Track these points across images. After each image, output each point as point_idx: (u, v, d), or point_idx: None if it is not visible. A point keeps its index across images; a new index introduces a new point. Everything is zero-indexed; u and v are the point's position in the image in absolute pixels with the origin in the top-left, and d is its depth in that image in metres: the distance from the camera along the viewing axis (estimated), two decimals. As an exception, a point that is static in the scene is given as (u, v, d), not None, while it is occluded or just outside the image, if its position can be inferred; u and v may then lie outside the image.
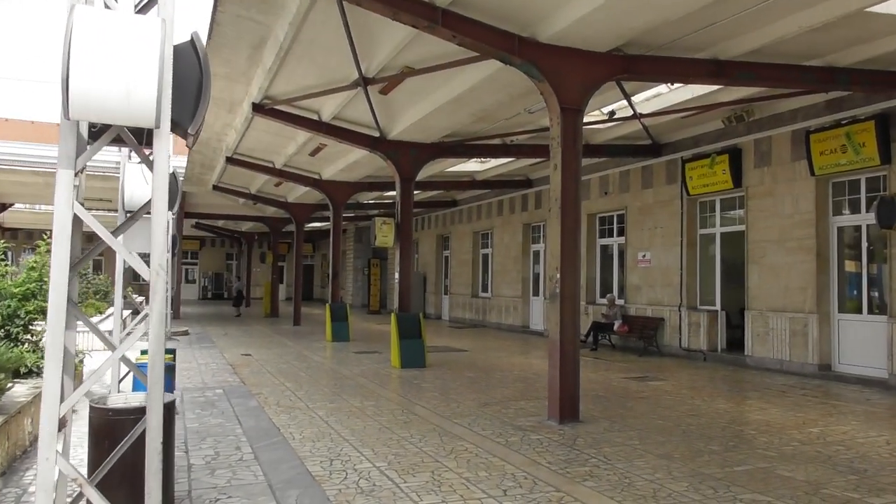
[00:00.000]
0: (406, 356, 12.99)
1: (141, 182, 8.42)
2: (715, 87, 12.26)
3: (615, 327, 16.53)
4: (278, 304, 30.98)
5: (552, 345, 8.32)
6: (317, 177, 20.07)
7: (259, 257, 42.12)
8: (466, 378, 11.80)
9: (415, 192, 24.72)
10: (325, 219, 28.37)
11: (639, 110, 12.91)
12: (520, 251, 22.45)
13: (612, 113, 13.28)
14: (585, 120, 10.83)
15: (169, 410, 5.02)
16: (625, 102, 13.09)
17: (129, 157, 8.58)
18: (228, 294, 31.50)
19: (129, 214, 8.58)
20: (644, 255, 16.67)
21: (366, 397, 9.76)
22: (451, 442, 7.07)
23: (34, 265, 7.79)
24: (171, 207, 8.85)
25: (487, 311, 24.48)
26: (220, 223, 39.56)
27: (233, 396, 9.78)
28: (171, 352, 7.16)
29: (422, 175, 19.40)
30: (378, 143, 14.05)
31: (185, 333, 20.85)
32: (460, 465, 6.13)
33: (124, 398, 5.31)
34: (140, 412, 4.75)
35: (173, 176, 8.90)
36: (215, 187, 24.91)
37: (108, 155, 15.78)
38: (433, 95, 11.78)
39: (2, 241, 8.75)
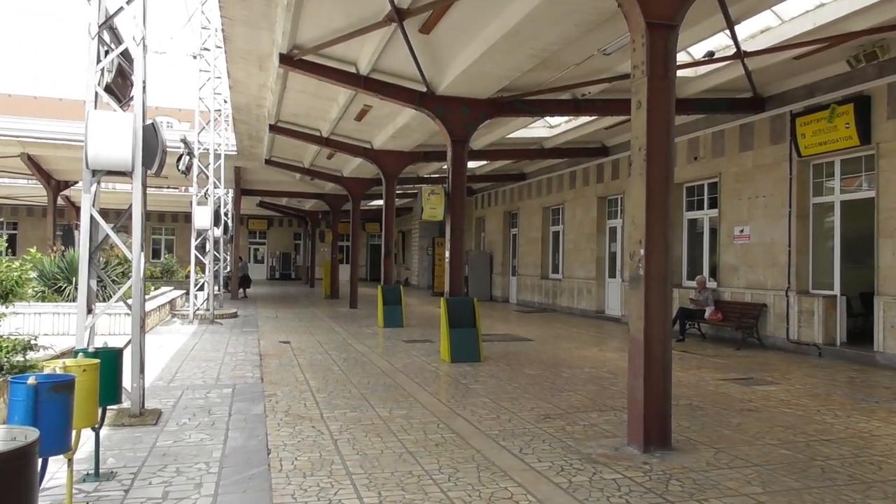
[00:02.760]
0: (457, 349, 11.06)
1: (107, 136, 6.75)
2: (841, 13, 9.70)
3: (706, 314, 14.11)
4: (338, 285, 29.53)
5: (634, 345, 6.17)
6: (367, 146, 18.29)
7: (318, 236, 40.93)
8: (527, 377, 9.77)
9: (480, 163, 22.99)
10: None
11: (743, 48, 10.41)
12: (594, 228, 20.06)
13: (710, 53, 10.79)
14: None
15: (26, 458, 3.26)
16: (722, 41, 10.65)
17: (95, 104, 6.92)
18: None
19: (95, 175, 6.97)
20: (742, 230, 14.12)
21: (397, 403, 7.89)
22: (491, 482, 5.09)
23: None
24: (148, 165, 7.18)
25: (558, 294, 22.24)
26: (283, 201, 38.68)
27: (239, 399, 8.09)
28: (109, 355, 5.31)
29: (481, 141, 17.42)
30: (425, 99, 12.03)
31: (234, 315, 19.67)
32: (497, 530, 4.16)
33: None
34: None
35: (152, 127, 7.21)
36: (268, 161, 23.69)
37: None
38: (484, 32, 9.65)
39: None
